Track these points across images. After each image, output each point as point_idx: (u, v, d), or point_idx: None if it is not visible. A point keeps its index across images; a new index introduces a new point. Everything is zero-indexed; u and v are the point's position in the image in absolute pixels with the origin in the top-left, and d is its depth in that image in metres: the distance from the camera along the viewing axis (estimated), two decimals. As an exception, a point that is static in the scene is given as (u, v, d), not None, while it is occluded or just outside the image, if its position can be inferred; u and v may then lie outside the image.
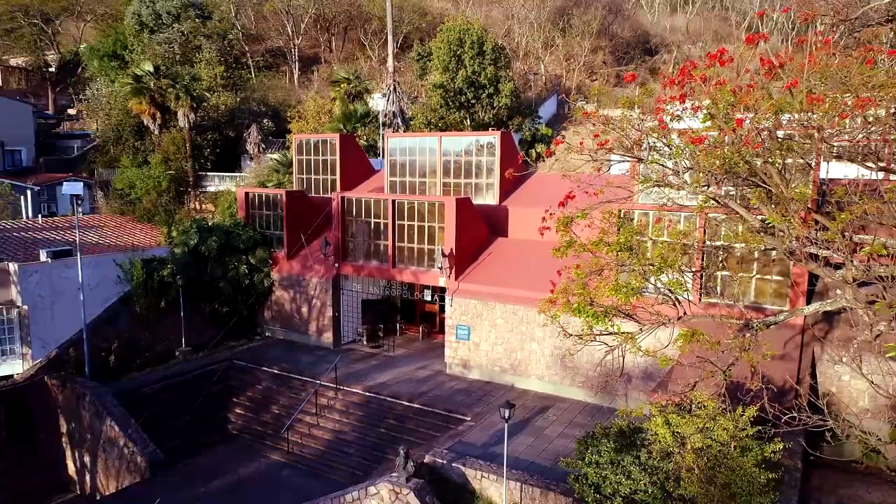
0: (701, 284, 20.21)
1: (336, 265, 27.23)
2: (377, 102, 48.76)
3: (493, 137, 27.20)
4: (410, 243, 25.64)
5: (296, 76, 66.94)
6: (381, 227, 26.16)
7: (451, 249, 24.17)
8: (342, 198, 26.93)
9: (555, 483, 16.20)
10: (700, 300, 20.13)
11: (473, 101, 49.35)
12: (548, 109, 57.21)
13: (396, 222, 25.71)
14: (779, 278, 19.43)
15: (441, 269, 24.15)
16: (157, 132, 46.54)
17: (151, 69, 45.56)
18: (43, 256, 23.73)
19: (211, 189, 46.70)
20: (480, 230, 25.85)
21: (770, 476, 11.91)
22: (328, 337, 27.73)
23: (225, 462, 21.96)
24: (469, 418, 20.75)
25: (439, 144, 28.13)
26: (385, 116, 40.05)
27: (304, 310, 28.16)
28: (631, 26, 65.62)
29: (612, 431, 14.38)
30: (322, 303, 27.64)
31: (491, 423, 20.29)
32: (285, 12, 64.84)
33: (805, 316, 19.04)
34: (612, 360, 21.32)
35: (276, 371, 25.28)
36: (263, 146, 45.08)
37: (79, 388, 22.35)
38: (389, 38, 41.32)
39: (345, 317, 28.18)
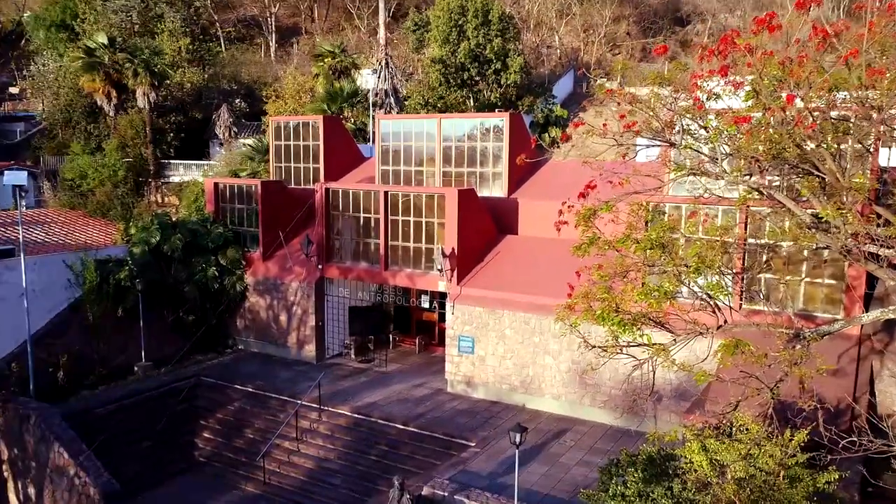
0: (742, 288, 20.15)
1: (319, 267, 27.18)
2: (366, 79, 48.68)
3: (501, 119, 27.16)
4: (406, 242, 25.58)
5: (272, 49, 67.00)
6: (372, 223, 26.13)
7: (453, 249, 24.11)
8: (326, 189, 26.89)
9: (574, 518, 16.20)
10: (741, 306, 20.08)
11: (477, 79, 49.40)
12: (563, 87, 57.09)
13: (390, 217, 25.66)
14: (832, 282, 19.40)
15: (441, 271, 24.10)
16: (112, 114, 46.48)
17: (106, 41, 45.49)
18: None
19: (175, 179, 46.62)
20: (486, 226, 25.81)
21: (824, 510, 11.88)
22: (310, 350, 27.69)
23: (191, 493, 21.94)
24: (474, 444, 20.72)
25: (439, 128, 28.09)
26: (376, 96, 40.00)
27: (283, 318, 28.11)
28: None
29: (640, 459, 14.32)
30: (303, 310, 27.60)
31: (499, 449, 20.24)
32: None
33: (863, 325, 19.05)
34: (640, 375, 21.35)
35: (249, 389, 25.25)
36: (235, 130, 45.03)
37: (22, 409, 22.29)
38: (381, 4, 41.17)
39: (329, 326, 28.16)
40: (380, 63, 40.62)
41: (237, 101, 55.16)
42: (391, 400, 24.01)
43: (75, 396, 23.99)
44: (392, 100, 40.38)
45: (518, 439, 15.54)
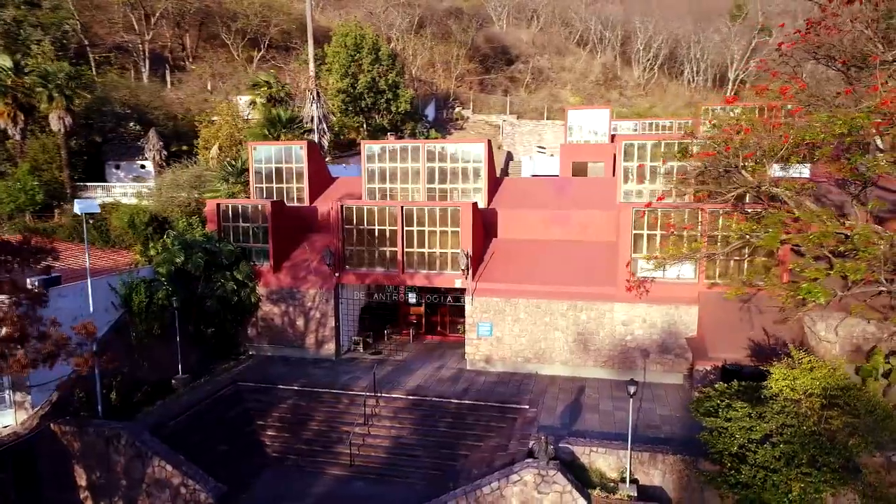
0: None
1: (337, 274, 26.95)
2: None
3: (481, 145, 28.93)
4: (420, 248, 26.43)
5: (145, 75, 61.14)
6: (388, 233, 26.56)
7: (470, 251, 25.54)
8: (342, 206, 26.75)
9: (660, 446, 18.89)
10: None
11: (371, 106, 50.17)
12: (429, 114, 59.55)
13: (405, 228, 26.33)
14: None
15: (464, 270, 25.41)
16: (18, 137, 40.19)
17: (10, 64, 39.29)
18: (32, 286, 20.25)
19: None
20: (481, 232, 27.52)
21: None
22: (329, 348, 27.33)
23: (284, 484, 21.11)
24: (527, 406, 22.45)
25: (422, 151, 29.16)
26: (311, 122, 39.27)
27: (300, 323, 27.38)
28: (486, 38, 70.50)
29: (729, 392, 17.35)
30: (322, 314, 27.16)
31: (550, 407, 22.30)
32: (133, 3, 58.89)
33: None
34: (630, 338, 24.69)
35: (296, 387, 24.48)
36: (166, 153, 41.15)
37: (107, 430, 19.82)
38: (310, 40, 40.09)
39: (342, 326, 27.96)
40: (311, 93, 39.82)
41: (131, 123, 50.18)
42: (430, 381, 24.84)
43: (142, 413, 21.65)
44: (325, 126, 39.87)
45: (633, 391, 17.78)
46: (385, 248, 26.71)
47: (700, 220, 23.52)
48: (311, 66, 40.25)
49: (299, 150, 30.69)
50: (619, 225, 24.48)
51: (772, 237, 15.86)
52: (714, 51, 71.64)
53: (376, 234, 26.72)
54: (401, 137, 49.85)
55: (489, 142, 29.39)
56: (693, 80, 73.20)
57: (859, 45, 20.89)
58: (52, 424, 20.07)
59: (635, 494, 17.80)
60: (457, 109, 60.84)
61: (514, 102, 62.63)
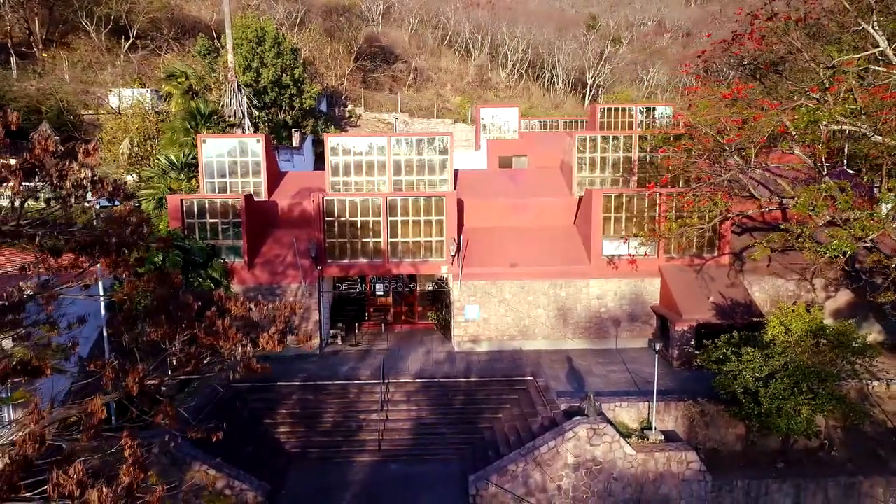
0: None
1: (319, 267, 26.86)
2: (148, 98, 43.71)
3: (446, 137, 30.26)
4: (405, 237, 27.25)
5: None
6: (371, 224, 27.04)
7: (458, 238, 26.90)
8: (323, 199, 26.71)
9: (671, 396, 21.88)
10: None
11: (275, 102, 49.11)
12: (323, 110, 59.04)
13: (389, 218, 27.00)
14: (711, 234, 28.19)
15: (454, 256, 26.70)
16: None
17: None
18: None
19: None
20: (459, 221, 28.93)
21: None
22: (314, 342, 27.10)
23: (319, 478, 20.97)
24: (531, 378, 24.43)
25: (388, 144, 29.87)
26: (233, 116, 37.65)
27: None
28: (366, 37, 71.11)
29: (734, 342, 20.68)
30: (305, 308, 26.89)
31: (554, 376, 24.50)
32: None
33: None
34: (604, 310, 27.72)
35: (298, 383, 24.21)
36: (62, 148, 36.82)
37: (138, 440, 18.41)
38: (228, 32, 37.90)
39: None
40: (231, 86, 38.13)
41: (-13, 117, 44.22)
42: (428, 365, 25.83)
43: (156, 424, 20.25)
44: (248, 120, 38.46)
45: (657, 347, 20.47)
46: (369, 239, 27.15)
47: (700, 200, 26.17)
48: (231, 57, 38.54)
49: (256, 143, 29.82)
50: (592, 209, 27.27)
51: (803, 205, 19.35)
52: (573, 57, 78.68)
53: (359, 225, 27.07)
54: (304, 134, 49.31)
55: (452, 134, 30.82)
56: (556, 84, 79.78)
57: (781, 55, 25.45)
58: (63, 445, 18.20)
59: (662, 437, 20.54)
60: (349, 107, 60.99)
61: (404, 101, 64.17)
